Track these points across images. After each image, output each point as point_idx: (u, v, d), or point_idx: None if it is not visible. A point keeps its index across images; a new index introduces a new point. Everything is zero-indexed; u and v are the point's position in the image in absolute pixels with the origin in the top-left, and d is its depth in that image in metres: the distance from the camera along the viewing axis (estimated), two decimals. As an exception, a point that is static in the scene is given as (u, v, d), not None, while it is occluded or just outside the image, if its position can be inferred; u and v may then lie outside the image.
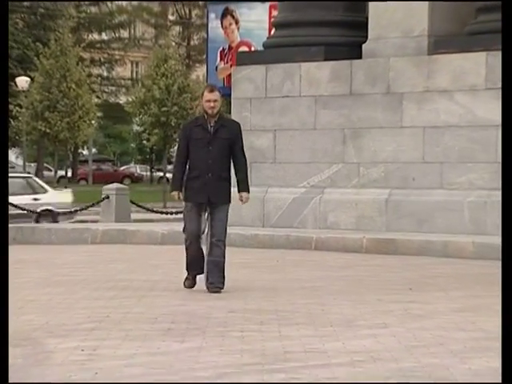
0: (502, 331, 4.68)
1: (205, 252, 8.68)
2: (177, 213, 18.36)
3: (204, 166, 8.56)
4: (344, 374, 5.34)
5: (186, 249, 8.78)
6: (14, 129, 43.38)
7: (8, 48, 26.53)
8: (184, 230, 8.75)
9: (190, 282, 8.80)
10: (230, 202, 8.66)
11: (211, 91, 8.66)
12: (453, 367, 5.55)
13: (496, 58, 13.55)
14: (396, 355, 5.88)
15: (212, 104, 8.57)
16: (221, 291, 8.55)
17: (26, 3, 49.16)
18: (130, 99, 38.70)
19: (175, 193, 8.69)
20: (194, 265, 8.74)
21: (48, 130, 34.73)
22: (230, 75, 20.81)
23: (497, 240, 12.39)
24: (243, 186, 8.72)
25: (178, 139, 9.15)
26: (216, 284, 8.57)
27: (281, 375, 5.29)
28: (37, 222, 20.42)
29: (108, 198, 18.07)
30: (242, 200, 8.73)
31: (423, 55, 14.23)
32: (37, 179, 24.46)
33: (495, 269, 11.05)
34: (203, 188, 8.54)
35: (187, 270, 8.83)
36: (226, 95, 17.61)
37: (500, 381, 4.39)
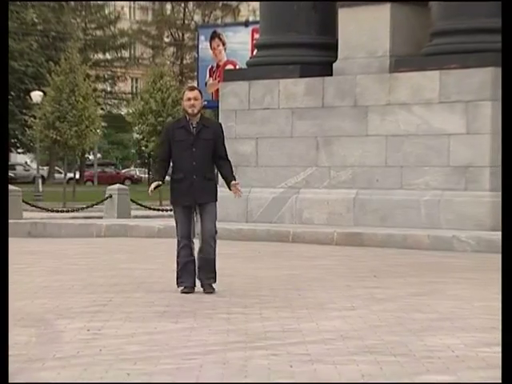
0: (502, 332, 4.48)
1: (195, 253, 7.70)
2: (171, 210, 18.30)
3: (188, 167, 7.55)
4: (317, 350, 5.34)
5: (178, 255, 7.67)
6: (29, 136, 43.14)
7: (8, 49, 26.13)
8: (176, 235, 7.71)
9: (189, 289, 7.62)
10: (216, 200, 7.69)
11: (191, 90, 7.70)
12: (411, 344, 5.55)
13: (448, 75, 13.59)
14: (362, 334, 5.88)
15: (192, 102, 7.56)
16: (213, 288, 7.63)
17: (39, 27, 48.94)
18: (130, 111, 38.58)
19: (156, 183, 7.71)
20: (185, 274, 7.60)
21: (59, 138, 34.59)
22: (217, 90, 20.79)
23: (448, 233, 12.42)
24: (231, 177, 7.66)
25: (160, 140, 7.89)
26: (206, 281, 7.62)
27: (261, 352, 5.28)
28: None
29: (111, 197, 18.01)
30: (235, 188, 7.63)
31: (385, 73, 14.25)
32: None
33: (447, 258, 11.08)
34: (189, 190, 7.55)
35: (178, 281, 7.65)
36: (214, 107, 17.62)
37: (500, 380, 4.30)
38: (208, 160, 7.64)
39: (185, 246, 7.64)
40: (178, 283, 7.71)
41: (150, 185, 7.79)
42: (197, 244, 7.73)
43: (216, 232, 7.67)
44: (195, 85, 38.90)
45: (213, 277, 7.67)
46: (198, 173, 7.59)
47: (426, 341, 5.65)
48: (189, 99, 7.60)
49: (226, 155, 7.76)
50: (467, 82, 13.37)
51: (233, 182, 7.65)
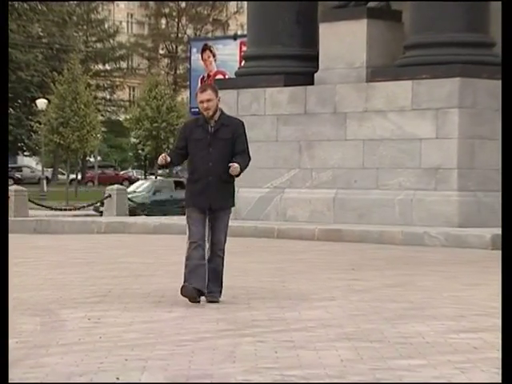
0: (502, 335, 4.21)
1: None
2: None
3: (204, 168, 6.44)
4: (300, 337, 5.34)
5: (188, 257, 6.43)
6: (35, 141, 43.03)
7: (8, 51, 25.95)
8: (189, 238, 6.50)
9: (188, 290, 6.39)
10: (232, 205, 6.58)
11: (203, 91, 6.47)
12: (386, 331, 5.56)
13: (420, 85, 13.63)
14: (341, 322, 5.88)
15: (205, 105, 6.40)
16: (218, 301, 6.56)
17: (44, 40, 48.79)
18: (128, 117, 38.57)
19: (166, 155, 6.49)
20: (194, 276, 6.38)
21: (62, 142, 34.54)
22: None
23: (420, 230, 12.45)
24: (237, 160, 6.44)
25: (176, 138, 6.76)
26: (214, 293, 6.55)
27: (249, 339, 5.28)
28: None
29: (110, 196, 17.96)
30: (232, 167, 6.40)
31: (362, 82, 14.27)
32: None
33: (419, 252, 11.10)
34: (204, 192, 6.44)
35: (185, 279, 6.42)
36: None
37: (500, 381, 4.14)
38: (226, 161, 6.45)
39: (198, 247, 6.41)
40: (184, 281, 6.42)
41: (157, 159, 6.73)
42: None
43: (225, 241, 6.60)
44: (188, 92, 38.82)
45: (219, 291, 6.60)
46: (213, 174, 6.46)
47: (400, 328, 5.66)
48: (201, 102, 6.45)
49: (248, 152, 6.55)
50: (437, 91, 13.41)
51: (234, 164, 6.42)
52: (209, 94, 6.45)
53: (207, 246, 6.49)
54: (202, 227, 6.46)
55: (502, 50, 5.95)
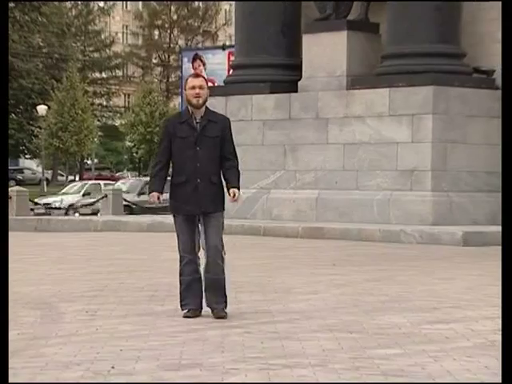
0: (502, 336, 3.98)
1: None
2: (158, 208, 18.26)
3: (191, 169, 5.47)
4: (284, 328, 5.34)
5: (181, 273, 5.63)
6: (36, 144, 42.86)
7: (8, 51, 25.87)
8: (178, 250, 5.64)
9: (193, 313, 5.62)
10: (223, 208, 5.63)
11: (196, 77, 5.59)
12: (365, 323, 5.57)
13: (396, 92, 13.67)
14: (323, 314, 5.88)
15: (197, 90, 5.45)
16: (226, 312, 5.59)
17: (44, 50, 48.61)
18: (123, 122, 38.49)
19: (155, 193, 5.56)
20: (190, 295, 5.58)
21: (61, 145, 34.45)
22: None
23: (397, 227, 12.48)
24: (235, 183, 5.65)
25: (159, 139, 5.77)
26: (219, 307, 5.58)
27: (237, 330, 5.27)
28: None
29: (106, 196, 17.92)
30: (234, 197, 5.60)
31: (343, 90, 14.30)
32: None
33: (396, 249, 11.12)
34: (192, 196, 5.48)
35: (181, 304, 5.63)
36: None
37: (500, 380, 3.97)
38: (214, 161, 5.55)
39: (189, 262, 5.57)
40: (181, 305, 5.65)
41: (149, 196, 5.65)
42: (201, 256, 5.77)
43: (223, 247, 5.59)
44: (179, 99, 38.72)
45: (223, 301, 5.62)
46: (202, 176, 5.50)
47: (378, 320, 5.67)
48: (193, 87, 5.47)
49: (235, 154, 5.68)
50: (412, 98, 13.46)
51: (234, 190, 5.61)
52: (202, 80, 5.57)
53: (203, 252, 5.60)
54: (191, 238, 5.54)
55: (502, 51, 5.92)
